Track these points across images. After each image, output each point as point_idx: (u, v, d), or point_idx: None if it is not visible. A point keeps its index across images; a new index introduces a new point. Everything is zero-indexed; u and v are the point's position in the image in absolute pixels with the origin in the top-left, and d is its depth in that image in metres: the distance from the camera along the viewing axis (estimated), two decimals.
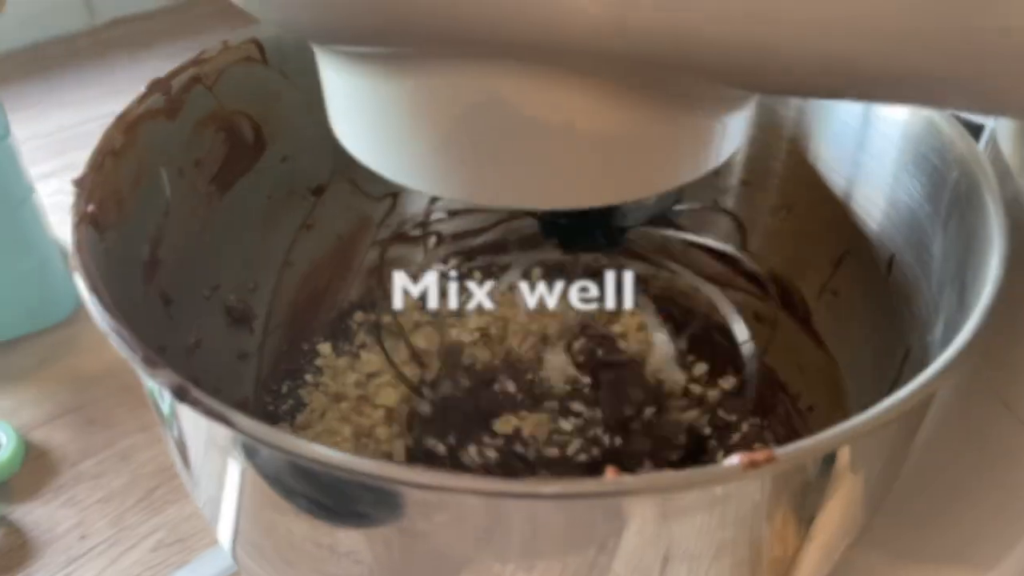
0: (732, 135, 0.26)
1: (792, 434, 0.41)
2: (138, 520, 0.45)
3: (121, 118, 0.32)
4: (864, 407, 0.37)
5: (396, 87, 0.23)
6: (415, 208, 0.47)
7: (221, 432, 0.21)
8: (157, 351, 0.34)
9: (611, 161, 0.24)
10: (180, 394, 0.21)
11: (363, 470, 0.19)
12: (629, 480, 0.19)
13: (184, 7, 0.94)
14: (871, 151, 0.35)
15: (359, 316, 0.47)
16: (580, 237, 0.33)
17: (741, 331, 0.37)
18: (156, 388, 0.23)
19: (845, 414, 0.40)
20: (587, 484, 0.19)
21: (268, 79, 0.39)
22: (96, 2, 0.87)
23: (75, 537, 0.44)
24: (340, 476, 0.20)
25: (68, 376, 0.53)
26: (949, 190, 0.31)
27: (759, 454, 0.20)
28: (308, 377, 0.45)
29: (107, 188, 0.30)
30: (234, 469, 0.24)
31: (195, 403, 0.21)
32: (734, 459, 0.20)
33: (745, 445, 0.41)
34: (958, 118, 0.32)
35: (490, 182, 0.24)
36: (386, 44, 0.21)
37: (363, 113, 0.25)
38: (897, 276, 0.35)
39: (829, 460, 0.22)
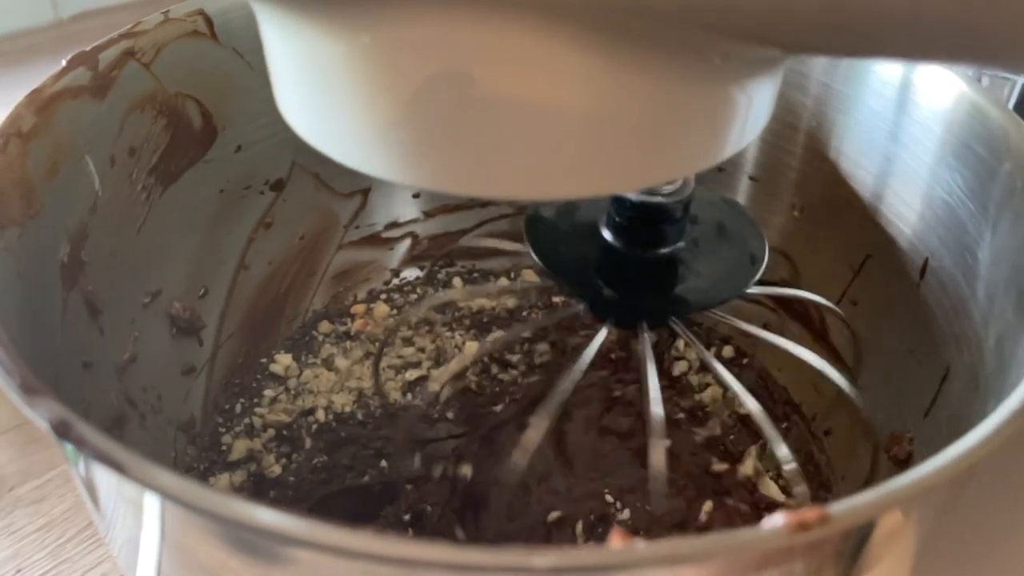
0: (757, 113, 0.22)
1: (809, 461, 0.36)
2: (80, 552, 0.40)
3: (34, 95, 0.27)
4: (891, 429, 0.34)
5: (350, 45, 0.18)
6: (388, 207, 0.43)
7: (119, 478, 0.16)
8: (81, 367, 0.30)
9: (610, 142, 0.19)
10: (61, 431, 0.16)
11: (287, 532, 0.15)
12: (642, 549, 0.15)
13: (150, 1, 0.90)
14: (904, 142, 0.31)
15: (325, 326, 0.42)
16: (636, 315, 0.30)
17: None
18: None
19: (870, 438, 0.36)
20: (590, 555, 0.14)
21: (219, 57, 0.35)
22: None
23: (10, 571, 0.40)
24: (261, 537, 0.15)
25: None
26: (1000, 184, 0.27)
27: (809, 513, 0.15)
28: (267, 393, 0.40)
29: (11, 176, 0.25)
30: (151, 511, 0.20)
31: (80, 443, 0.16)
32: (778, 519, 0.15)
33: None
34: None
35: (462, 166, 0.19)
36: None
37: (310, 81, 0.20)
38: (932, 284, 0.31)
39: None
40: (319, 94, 0.20)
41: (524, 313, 0.43)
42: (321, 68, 0.20)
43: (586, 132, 0.19)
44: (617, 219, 0.29)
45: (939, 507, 0.20)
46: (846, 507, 0.16)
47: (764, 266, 0.29)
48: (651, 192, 0.28)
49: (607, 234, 0.29)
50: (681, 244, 0.29)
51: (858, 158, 0.33)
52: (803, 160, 0.36)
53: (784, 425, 0.38)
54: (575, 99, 0.18)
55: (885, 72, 0.32)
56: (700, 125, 0.21)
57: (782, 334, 0.41)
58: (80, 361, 0.29)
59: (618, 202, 0.29)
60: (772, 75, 0.22)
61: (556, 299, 0.44)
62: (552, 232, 0.31)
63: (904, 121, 0.31)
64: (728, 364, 0.41)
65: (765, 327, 0.41)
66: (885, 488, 0.16)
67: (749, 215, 0.32)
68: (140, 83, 0.31)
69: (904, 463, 0.31)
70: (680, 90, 0.19)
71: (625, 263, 0.29)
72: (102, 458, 0.16)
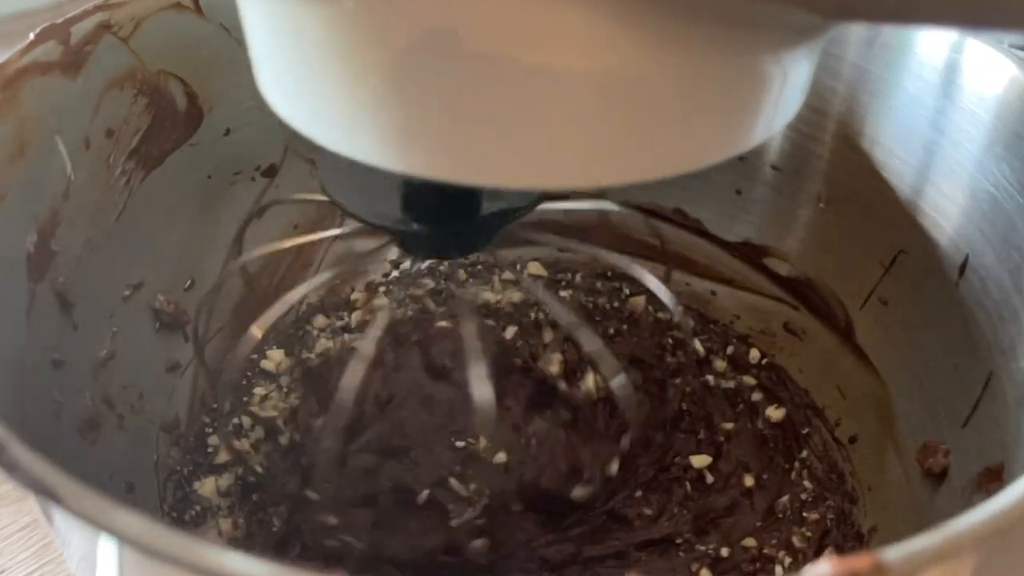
0: (792, 93, 0.20)
1: (832, 470, 0.34)
2: None
3: None
4: (924, 438, 0.31)
5: (332, 10, 0.16)
6: None
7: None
8: (50, 366, 0.28)
9: (625, 122, 0.17)
10: None
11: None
12: None
13: None
14: (947, 130, 0.29)
15: (320, 321, 0.40)
16: (449, 241, 0.27)
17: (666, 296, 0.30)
18: None
19: (897, 445, 0.34)
20: None
21: (204, 33, 0.32)
22: None
23: None
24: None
25: None
26: None
27: (861, 561, 0.13)
28: (257, 391, 0.38)
29: None
30: (106, 548, 0.17)
31: (11, 468, 0.14)
32: (824, 568, 0.13)
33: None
34: None
35: (456, 150, 0.17)
36: None
37: (290, 54, 0.18)
38: (973, 282, 0.29)
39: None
40: (300, 69, 0.18)
41: (530, 307, 0.41)
42: (302, 38, 0.17)
43: (596, 109, 0.17)
44: None
45: (1000, 543, 0.17)
46: (902, 554, 0.13)
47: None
48: None
49: None
50: None
51: (894, 147, 0.31)
52: (832, 149, 0.34)
53: (805, 431, 0.36)
54: (583, 67, 0.16)
55: (927, 54, 0.29)
56: (729, 104, 0.18)
57: (804, 332, 0.39)
58: (50, 359, 0.27)
59: None
60: (809, 51, 0.20)
61: (564, 293, 0.42)
62: (347, 175, 0.27)
63: (947, 107, 0.28)
64: (751, 367, 0.39)
65: (785, 326, 0.39)
66: (946, 531, 0.14)
67: None
68: (118, 59, 0.29)
69: (940, 477, 0.29)
70: (707, 61, 0.17)
71: (428, 194, 0.26)
72: (38, 489, 0.13)
